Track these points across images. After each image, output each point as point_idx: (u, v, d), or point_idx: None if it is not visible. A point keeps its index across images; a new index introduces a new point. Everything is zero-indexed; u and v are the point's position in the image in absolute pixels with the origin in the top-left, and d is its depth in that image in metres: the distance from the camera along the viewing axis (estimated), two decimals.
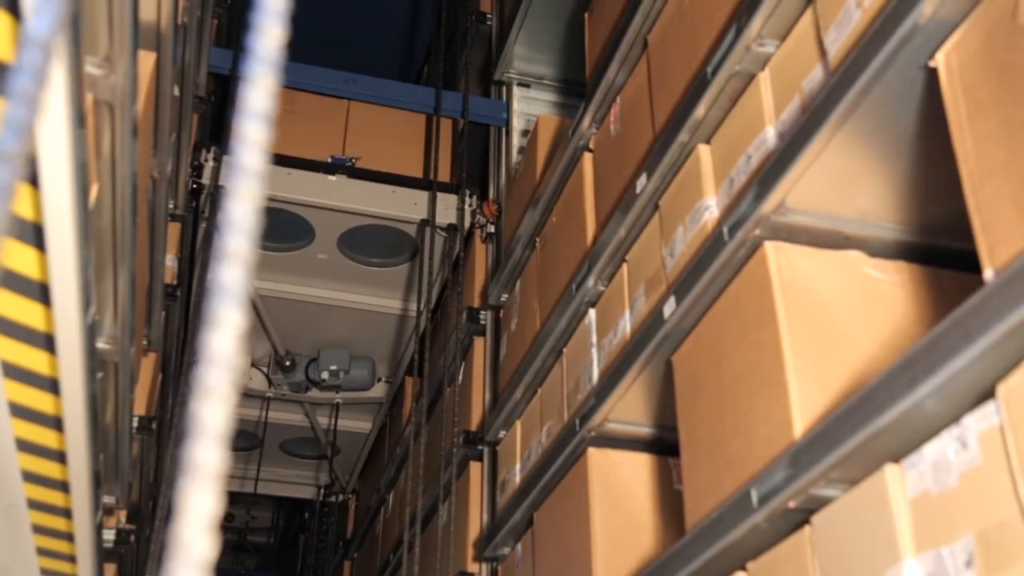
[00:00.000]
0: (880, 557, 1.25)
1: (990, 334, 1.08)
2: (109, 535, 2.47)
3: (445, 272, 4.05)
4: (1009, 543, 1.05)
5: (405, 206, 3.95)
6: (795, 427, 1.51)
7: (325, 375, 4.85)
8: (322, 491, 6.28)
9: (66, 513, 1.85)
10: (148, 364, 3.03)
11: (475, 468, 3.45)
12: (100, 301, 1.67)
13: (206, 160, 3.66)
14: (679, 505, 2.01)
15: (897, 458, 1.27)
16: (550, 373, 2.81)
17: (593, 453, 2.36)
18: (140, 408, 2.90)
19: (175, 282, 3.38)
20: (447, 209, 3.84)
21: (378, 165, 4.11)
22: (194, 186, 3.59)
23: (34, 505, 1.84)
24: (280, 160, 3.79)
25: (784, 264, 1.67)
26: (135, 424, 2.66)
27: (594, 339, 2.50)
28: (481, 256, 3.90)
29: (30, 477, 1.75)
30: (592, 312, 2.54)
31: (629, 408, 2.34)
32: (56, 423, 1.62)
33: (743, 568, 1.61)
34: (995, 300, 1.08)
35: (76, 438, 1.62)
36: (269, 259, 4.27)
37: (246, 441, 5.51)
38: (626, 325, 2.30)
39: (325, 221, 4.09)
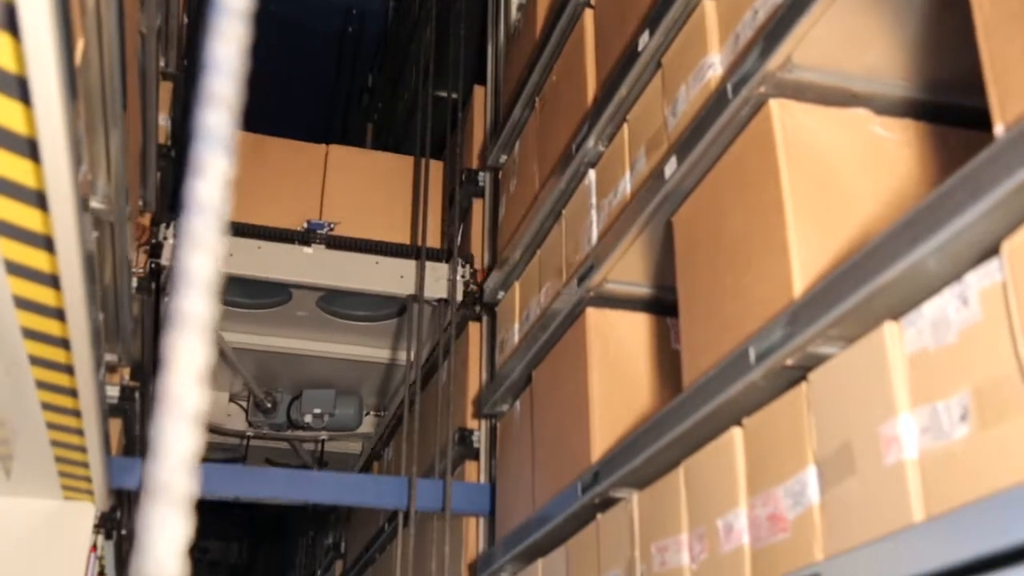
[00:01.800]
0: (875, 412, 1.26)
1: (998, 190, 1.06)
2: (113, 392, 2.51)
3: (436, 336, 3.66)
4: (1005, 398, 1.06)
5: (390, 279, 3.52)
6: (795, 286, 1.50)
7: (308, 418, 4.46)
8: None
9: (68, 370, 1.87)
10: (145, 223, 3.02)
11: (474, 328, 3.48)
12: (92, 160, 1.65)
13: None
14: (676, 364, 2.03)
15: (896, 316, 1.27)
16: (549, 234, 2.80)
17: (592, 313, 2.37)
18: (139, 267, 2.90)
19: (169, 143, 3.33)
20: (437, 281, 3.48)
21: (360, 229, 3.66)
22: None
23: (36, 362, 1.85)
24: (249, 231, 3.38)
25: (789, 122, 1.64)
26: (135, 284, 2.66)
27: (594, 200, 2.48)
28: (480, 117, 3.83)
29: (30, 334, 1.76)
30: (592, 173, 2.51)
31: (628, 269, 2.33)
32: (53, 281, 1.61)
33: (739, 424, 1.63)
34: (1005, 155, 1.05)
35: (74, 296, 1.61)
36: (243, 315, 3.83)
37: (227, 453, 5.08)
38: (626, 186, 2.28)
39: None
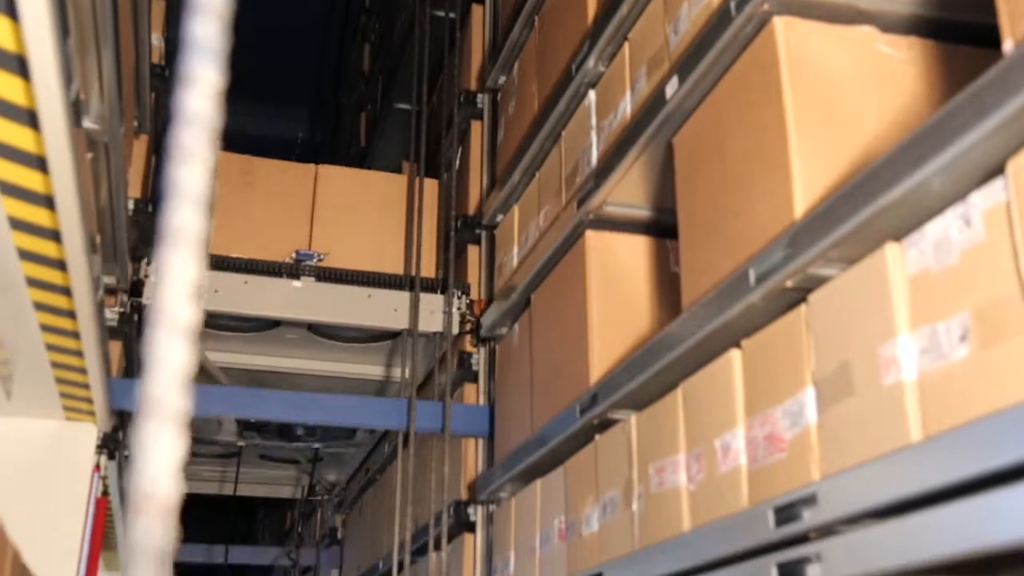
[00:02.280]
0: (875, 333, 1.26)
1: (1006, 108, 1.04)
2: (112, 314, 2.51)
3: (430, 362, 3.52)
4: (1006, 318, 1.05)
5: (383, 313, 3.35)
6: (796, 206, 1.49)
7: (300, 431, 4.40)
8: (304, 490, 5.74)
9: (66, 292, 1.86)
10: (140, 147, 2.99)
11: (473, 251, 3.47)
12: (84, 79, 1.62)
13: None
14: (676, 287, 2.03)
15: (898, 237, 1.26)
16: (548, 156, 2.77)
17: (591, 236, 2.36)
18: (135, 191, 2.88)
19: (163, 63, 3.28)
20: (432, 314, 3.34)
21: (351, 257, 3.48)
22: None
23: (33, 283, 1.85)
24: (234, 265, 3.23)
25: (793, 40, 1.61)
26: (131, 207, 2.64)
27: (594, 121, 2.45)
28: (478, 37, 3.77)
29: (26, 255, 1.75)
30: (592, 93, 2.48)
31: (628, 191, 2.32)
32: (48, 202, 1.60)
33: (737, 346, 1.63)
34: (1014, 73, 1.03)
35: (69, 217, 1.60)
36: (231, 336, 3.67)
37: (223, 448, 5.02)
38: (627, 106, 2.25)
39: None
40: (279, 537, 7.73)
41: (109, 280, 2.39)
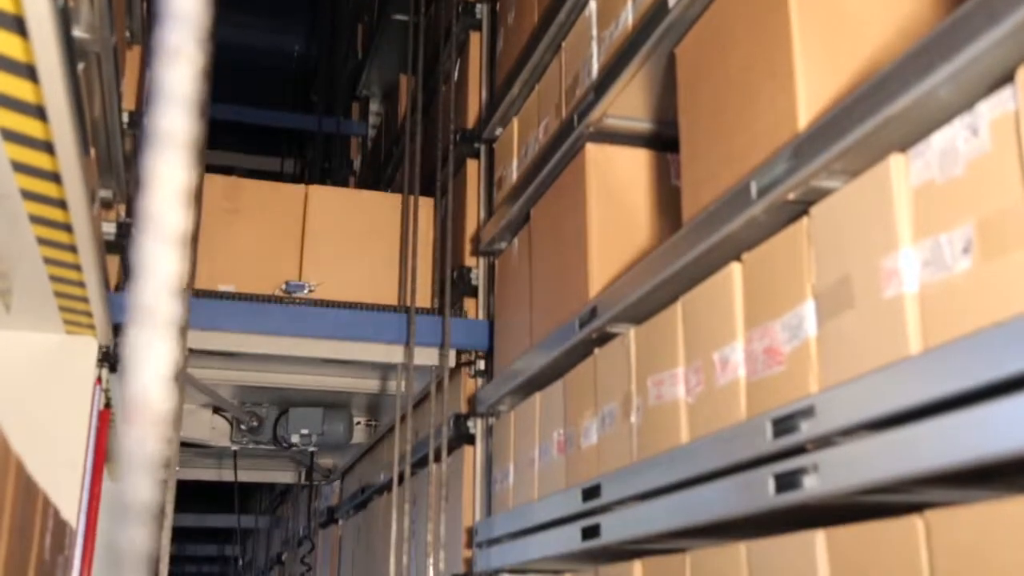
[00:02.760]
0: (877, 246, 1.25)
1: (1017, 14, 1.01)
2: (109, 228, 2.49)
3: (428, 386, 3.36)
4: (1009, 230, 1.04)
5: (377, 348, 3.21)
6: (800, 118, 1.47)
7: (296, 438, 4.25)
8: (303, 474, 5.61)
9: (61, 204, 1.84)
10: (133, 58, 2.93)
11: (472, 166, 3.44)
12: None
13: None
14: (676, 201, 2.01)
15: (904, 148, 1.24)
16: (548, 68, 2.72)
17: (591, 149, 2.34)
18: (130, 103, 2.84)
19: None
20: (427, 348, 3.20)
21: (343, 286, 3.33)
22: None
23: (28, 196, 1.83)
24: (219, 297, 3.10)
25: None
26: (125, 119, 2.61)
27: (594, 32, 2.40)
28: None
29: (20, 167, 1.73)
30: (593, 3, 2.42)
31: (628, 103, 2.28)
32: (40, 112, 1.57)
33: (738, 259, 1.62)
34: None
35: (62, 128, 1.58)
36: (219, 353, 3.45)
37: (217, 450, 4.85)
38: (628, 16, 2.20)
39: None
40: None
41: (105, 193, 2.37)
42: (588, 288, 2.23)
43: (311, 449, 4.46)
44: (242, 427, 4.33)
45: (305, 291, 3.22)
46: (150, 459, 0.45)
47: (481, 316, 3.25)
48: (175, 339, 0.46)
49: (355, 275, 3.36)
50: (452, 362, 3.18)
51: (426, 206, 3.46)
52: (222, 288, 3.20)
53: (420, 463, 3.36)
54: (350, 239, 3.42)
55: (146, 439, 0.45)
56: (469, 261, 3.32)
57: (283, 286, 3.22)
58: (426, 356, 3.18)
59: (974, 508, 1.06)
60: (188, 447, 4.51)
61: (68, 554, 2.31)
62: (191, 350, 2.97)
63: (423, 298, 3.33)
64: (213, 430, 4.44)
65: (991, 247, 1.06)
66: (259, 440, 4.40)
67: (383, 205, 3.52)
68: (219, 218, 3.25)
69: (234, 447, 4.50)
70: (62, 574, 2.20)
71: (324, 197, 3.45)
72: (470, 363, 3.17)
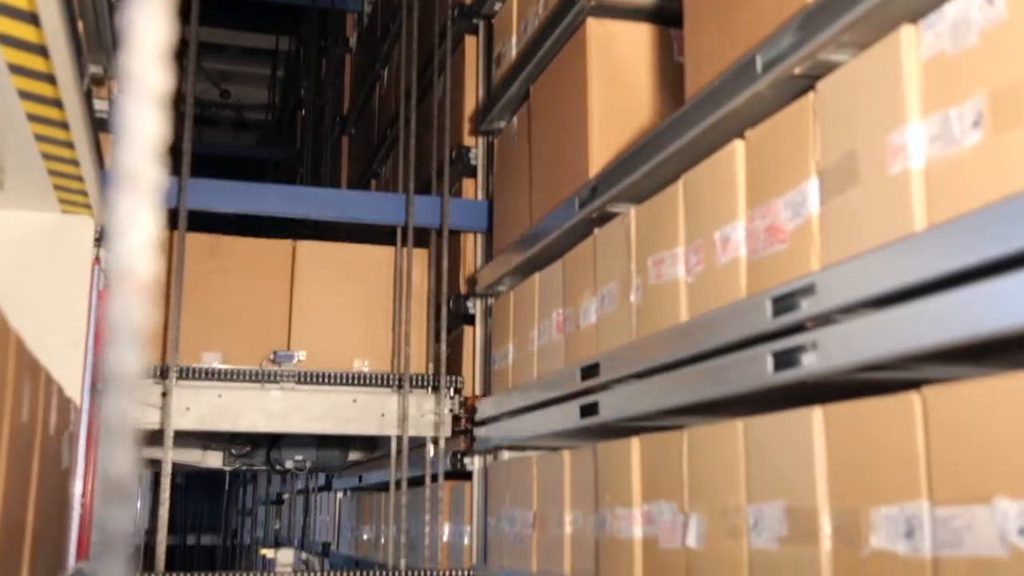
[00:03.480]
0: (884, 121, 1.22)
1: None
2: (101, 105, 2.44)
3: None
4: (1022, 102, 1.01)
5: (370, 419, 3.04)
6: None
7: (290, 463, 4.07)
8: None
9: (50, 79, 1.80)
10: None
11: (470, 42, 3.36)
12: None
13: None
14: (679, 77, 1.96)
15: (915, 19, 1.20)
16: None
17: (592, 24, 2.27)
18: None
19: None
20: (423, 417, 3.05)
21: (334, 353, 3.16)
22: None
23: (16, 70, 1.78)
24: (207, 375, 2.91)
25: None
26: None
27: None
28: None
29: (5, 40, 1.68)
30: None
31: None
32: None
33: (741, 137, 1.59)
34: None
35: None
36: None
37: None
38: None
39: None
40: None
41: (96, 69, 2.32)
42: (588, 167, 2.20)
43: (306, 470, 4.38)
44: (233, 452, 4.22)
45: (294, 360, 3.07)
46: (135, 328, 0.44)
47: (480, 196, 3.22)
48: (158, 205, 0.44)
49: (346, 335, 3.21)
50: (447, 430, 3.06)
51: (420, 257, 3.28)
52: (207, 356, 3.06)
53: None
54: (340, 297, 3.25)
55: (131, 307, 0.44)
56: (468, 141, 3.28)
57: (271, 356, 3.07)
58: (420, 427, 3.07)
59: (972, 384, 1.06)
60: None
61: (73, 431, 2.34)
62: (179, 432, 2.86)
63: (418, 363, 3.18)
64: (204, 454, 4.33)
65: (1002, 120, 1.04)
66: (252, 464, 4.31)
67: (373, 259, 3.32)
68: (203, 278, 3.09)
69: (227, 469, 4.40)
70: (68, 451, 2.23)
71: (312, 253, 3.28)
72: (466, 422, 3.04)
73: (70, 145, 2.13)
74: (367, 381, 3.07)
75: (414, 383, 3.07)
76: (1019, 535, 0.97)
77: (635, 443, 1.85)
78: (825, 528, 1.28)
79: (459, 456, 2.99)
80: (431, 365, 3.16)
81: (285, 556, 2.97)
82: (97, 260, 2.75)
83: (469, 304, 3.12)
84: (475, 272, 3.11)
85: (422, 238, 3.29)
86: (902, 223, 1.18)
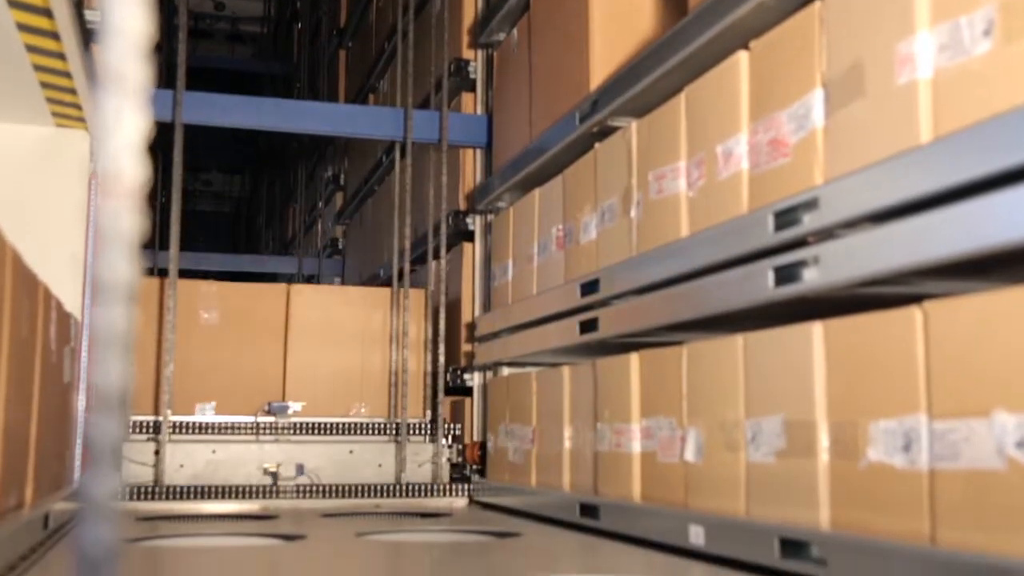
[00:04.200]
0: (892, 30, 1.19)
1: None
2: (93, 16, 2.40)
3: None
4: None
5: (367, 469, 2.96)
6: None
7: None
8: None
9: None
10: None
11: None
12: None
13: None
14: None
15: None
16: None
17: None
18: None
19: None
20: (420, 467, 2.97)
21: (329, 400, 3.06)
22: None
23: None
24: (201, 428, 2.84)
25: None
26: None
27: None
28: None
29: None
30: None
31: None
32: None
33: (745, 48, 1.56)
34: None
35: None
36: None
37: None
38: None
39: None
40: (282, 246, 7.91)
41: None
42: (589, 80, 2.17)
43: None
44: None
45: (289, 412, 2.98)
46: (124, 234, 0.42)
47: (480, 111, 3.18)
48: (145, 105, 0.43)
49: (342, 382, 3.14)
50: None
51: (417, 297, 3.20)
52: (200, 407, 2.99)
53: (420, 259, 3.38)
54: (336, 339, 3.16)
55: (119, 212, 0.42)
56: (467, 54, 3.22)
57: (266, 407, 3.00)
58: (418, 476, 3.00)
59: (973, 299, 1.06)
60: None
61: (75, 345, 2.34)
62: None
63: (415, 404, 3.13)
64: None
65: (1014, 28, 1.01)
66: None
67: (368, 300, 3.23)
68: (196, 327, 3.02)
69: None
70: (70, 364, 2.24)
71: (306, 295, 3.21)
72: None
73: (61, 56, 2.09)
74: (364, 431, 3.02)
75: (412, 431, 3.03)
76: (1016, 448, 0.98)
77: (634, 359, 1.85)
78: (823, 442, 1.28)
79: (459, 372, 3.01)
80: (429, 412, 3.11)
81: (287, 470, 2.97)
82: (95, 175, 2.73)
83: (468, 220, 3.10)
84: (474, 188, 3.09)
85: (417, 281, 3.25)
86: (908, 135, 1.16)
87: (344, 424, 3.01)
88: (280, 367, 3.10)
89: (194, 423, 2.90)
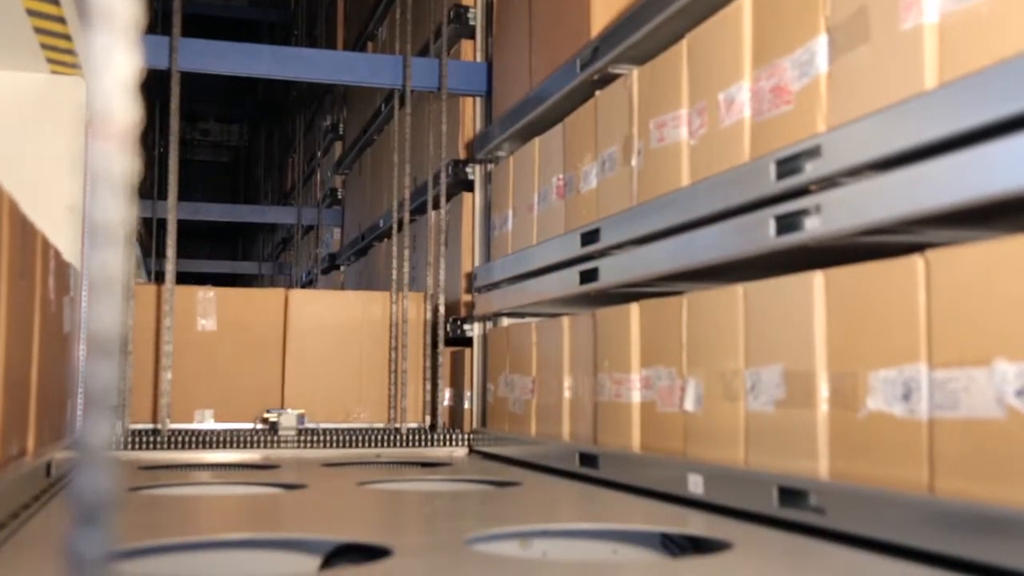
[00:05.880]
0: None
1: None
2: None
3: None
4: None
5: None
6: None
7: None
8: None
9: None
10: None
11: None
12: None
13: None
14: None
15: None
16: None
17: None
18: None
19: None
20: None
21: (328, 404, 3.04)
22: None
23: None
24: (197, 442, 2.73)
25: None
26: None
27: None
28: None
29: None
30: None
31: None
32: None
33: None
34: None
35: None
36: None
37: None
38: None
39: None
40: (281, 197, 7.88)
41: None
42: (590, 26, 2.14)
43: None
44: None
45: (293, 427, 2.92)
46: (116, 176, 0.42)
47: (479, 58, 3.15)
48: (136, 46, 0.42)
49: (340, 386, 3.11)
50: None
51: (416, 300, 3.17)
52: (199, 414, 2.97)
53: (419, 209, 3.36)
54: (334, 344, 3.13)
55: (110, 154, 0.42)
56: (466, 1, 3.18)
57: (264, 414, 2.96)
58: None
59: (975, 247, 1.05)
60: None
61: (74, 295, 2.34)
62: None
63: (414, 407, 3.12)
64: None
65: None
66: None
67: (367, 304, 3.19)
68: (193, 333, 2.98)
69: None
70: (69, 314, 2.24)
71: (305, 299, 3.17)
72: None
73: (55, 1, 2.07)
74: (362, 442, 2.94)
75: (411, 436, 2.97)
76: (1016, 397, 0.98)
77: (634, 308, 1.85)
78: (822, 391, 1.29)
79: (459, 322, 3.00)
80: (428, 418, 3.09)
81: (288, 419, 2.95)
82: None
83: (468, 170, 3.08)
84: (474, 137, 3.06)
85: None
86: (913, 82, 1.14)
87: (342, 435, 2.90)
88: (279, 373, 3.09)
89: (191, 431, 2.84)
